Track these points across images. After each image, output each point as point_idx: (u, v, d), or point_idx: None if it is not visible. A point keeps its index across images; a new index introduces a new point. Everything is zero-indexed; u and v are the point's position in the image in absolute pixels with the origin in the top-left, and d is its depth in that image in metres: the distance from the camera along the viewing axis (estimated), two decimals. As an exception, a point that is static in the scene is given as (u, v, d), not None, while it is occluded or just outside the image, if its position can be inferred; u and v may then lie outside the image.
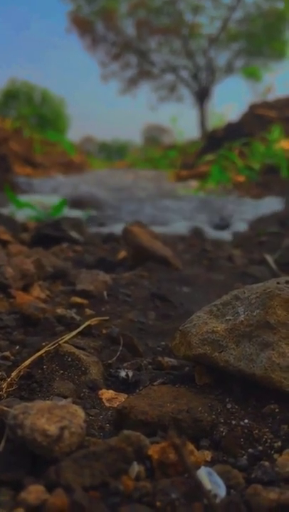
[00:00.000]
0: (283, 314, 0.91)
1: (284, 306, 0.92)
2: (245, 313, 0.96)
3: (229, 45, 21.47)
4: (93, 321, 1.37)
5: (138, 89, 24.63)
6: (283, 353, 0.88)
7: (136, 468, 0.69)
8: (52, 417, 0.70)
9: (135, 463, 0.69)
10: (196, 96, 21.58)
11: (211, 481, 0.68)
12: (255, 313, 0.94)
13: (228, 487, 0.69)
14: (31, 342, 1.23)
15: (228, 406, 0.89)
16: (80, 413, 0.73)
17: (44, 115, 19.23)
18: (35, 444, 0.68)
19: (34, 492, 0.62)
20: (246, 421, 0.85)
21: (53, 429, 0.69)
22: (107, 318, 1.45)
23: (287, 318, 0.91)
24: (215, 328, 0.98)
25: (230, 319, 0.99)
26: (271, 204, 4.89)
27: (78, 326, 1.32)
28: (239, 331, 0.95)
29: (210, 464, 0.76)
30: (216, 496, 0.66)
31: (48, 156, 9.88)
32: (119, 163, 17.68)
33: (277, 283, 0.99)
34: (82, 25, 21.33)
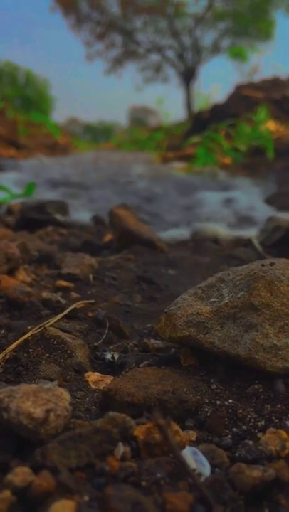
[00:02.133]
0: (267, 296, 0.92)
1: (268, 287, 0.92)
2: (230, 295, 0.97)
3: (215, 25, 21.22)
4: (79, 304, 1.37)
5: (123, 70, 24.33)
6: (267, 334, 0.89)
7: (121, 448, 0.69)
8: (37, 400, 0.71)
9: (121, 444, 0.70)
10: (182, 76, 21.37)
11: (196, 460, 0.69)
12: (239, 295, 0.95)
13: (213, 466, 0.70)
14: (17, 326, 1.22)
15: (213, 387, 0.90)
16: (66, 396, 0.74)
17: (28, 96, 18.89)
18: (20, 426, 0.68)
19: (20, 474, 0.63)
20: (231, 401, 0.86)
21: (38, 411, 0.69)
22: (93, 301, 1.45)
23: (270, 300, 0.91)
24: (200, 310, 0.99)
25: (215, 301, 0.99)
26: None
27: (64, 309, 1.32)
28: (224, 312, 0.96)
29: (195, 443, 0.77)
30: (200, 474, 0.67)
31: (33, 137, 9.76)
32: (105, 145, 17.52)
33: (262, 265, 0.99)
34: (66, 4, 20.89)
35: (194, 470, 0.67)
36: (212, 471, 0.69)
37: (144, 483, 0.65)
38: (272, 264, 1.01)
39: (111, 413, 0.72)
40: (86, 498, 0.61)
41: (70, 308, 1.31)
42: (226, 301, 0.96)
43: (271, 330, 0.89)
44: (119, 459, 0.68)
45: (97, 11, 21.26)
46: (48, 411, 0.70)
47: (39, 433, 0.69)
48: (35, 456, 0.66)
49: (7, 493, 0.60)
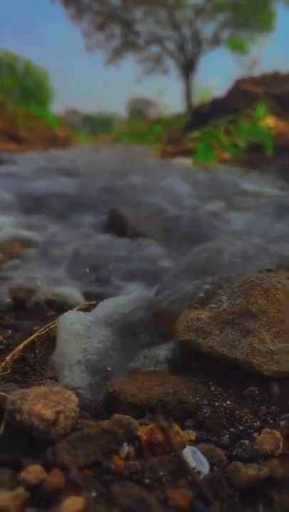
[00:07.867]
0: (264, 303, 0.96)
1: (264, 295, 0.97)
2: (228, 301, 1.01)
3: (215, 16, 21.09)
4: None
5: (123, 61, 24.19)
6: (263, 340, 0.93)
7: (126, 448, 0.74)
8: (48, 403, 0.76)
9: (125, 444, 0.75)
10: (182, 68, 21.26)
11: (195, 458, 0.74)
12: (237, 302, 0.99)
13: (211, 464, 0.75)
14: (23, 326, 1.27)
15: (212, 388, 0.95)
16: (74, 398, 0.79)
17: (27, 87, 18.79)
18: (32, 427, 0.73)
19: (33, 472, 0.68)
20: (228, 402, 0.91)
21: (49, 413, 0.74)
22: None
23: (267, 307, 0.96)
24: (200, 316, 1.03)
25: (214, 307, 1.04)
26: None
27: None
28: (222, 318, 1.00)
29: (194, 442, 0.82)
30: (199, 472, 0.72)
31: (32, 130, 9.73)
32: (104, 137, 17.44)
33: (259, 272, 1.04)
34: (66, -6, 20.74)
35: (194, 468, 0.71)
36: (210, 469, 0.74)
37: (147, 481, 0.70)
38: (268, 270, 1.05)
39: (117, 415, 0.77)
40: (94, 494, 0.66)
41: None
42: (225, 307, 1.01)
43: (267, 335, 0.94)
44: (124, 458, 0.73)
45: (97, 1, 21.11)
46: (57, 412, 0.75)
47: (49, 433, 0.74)
48: (47, 454, 0.71)
49: (21, 490, 0.65)
